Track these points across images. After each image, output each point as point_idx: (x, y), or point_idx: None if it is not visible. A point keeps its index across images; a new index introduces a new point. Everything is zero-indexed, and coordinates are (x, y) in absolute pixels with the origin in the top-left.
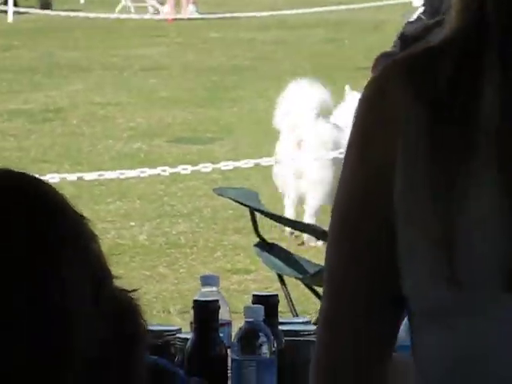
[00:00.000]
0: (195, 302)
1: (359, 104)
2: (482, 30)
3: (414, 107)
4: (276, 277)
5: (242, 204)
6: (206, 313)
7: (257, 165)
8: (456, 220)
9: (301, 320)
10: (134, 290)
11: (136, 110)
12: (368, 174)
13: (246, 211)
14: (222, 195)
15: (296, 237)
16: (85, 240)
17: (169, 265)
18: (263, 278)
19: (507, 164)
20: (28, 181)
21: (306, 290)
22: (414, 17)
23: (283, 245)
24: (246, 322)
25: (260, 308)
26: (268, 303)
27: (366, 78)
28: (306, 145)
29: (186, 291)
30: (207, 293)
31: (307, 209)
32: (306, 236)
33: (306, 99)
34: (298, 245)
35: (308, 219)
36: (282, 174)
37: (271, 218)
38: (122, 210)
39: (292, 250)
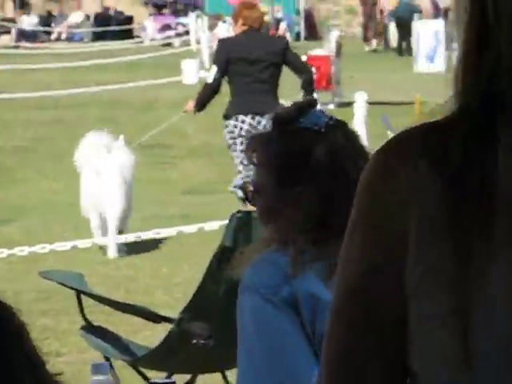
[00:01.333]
0: None
1: (367, 176)
2: (491, 103)
3: (426, 183)
4: (89, 357)
5: (68, 287)
6: None
7: (51, 250)
8: (472, 299)
9: None
10: (59, 374)
11: None
12: (376, 252)
13: (52, 293)
14: (47, 278)
15: None
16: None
17: None
18: (76, 360)
19: None
20: None
21: (134, 373)
22: (211, 79)
23: (108, 327)
24: None
25: None
26: None
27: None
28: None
29: None
30: (99, 382)
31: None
32: None
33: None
34: None
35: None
36: None
37: (98, 300)
38: None
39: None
